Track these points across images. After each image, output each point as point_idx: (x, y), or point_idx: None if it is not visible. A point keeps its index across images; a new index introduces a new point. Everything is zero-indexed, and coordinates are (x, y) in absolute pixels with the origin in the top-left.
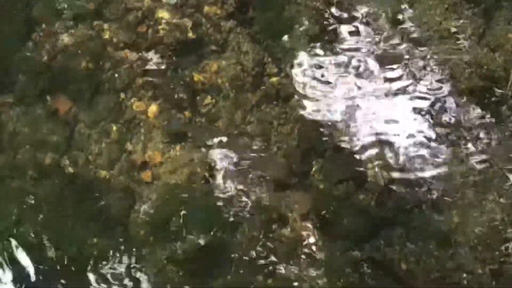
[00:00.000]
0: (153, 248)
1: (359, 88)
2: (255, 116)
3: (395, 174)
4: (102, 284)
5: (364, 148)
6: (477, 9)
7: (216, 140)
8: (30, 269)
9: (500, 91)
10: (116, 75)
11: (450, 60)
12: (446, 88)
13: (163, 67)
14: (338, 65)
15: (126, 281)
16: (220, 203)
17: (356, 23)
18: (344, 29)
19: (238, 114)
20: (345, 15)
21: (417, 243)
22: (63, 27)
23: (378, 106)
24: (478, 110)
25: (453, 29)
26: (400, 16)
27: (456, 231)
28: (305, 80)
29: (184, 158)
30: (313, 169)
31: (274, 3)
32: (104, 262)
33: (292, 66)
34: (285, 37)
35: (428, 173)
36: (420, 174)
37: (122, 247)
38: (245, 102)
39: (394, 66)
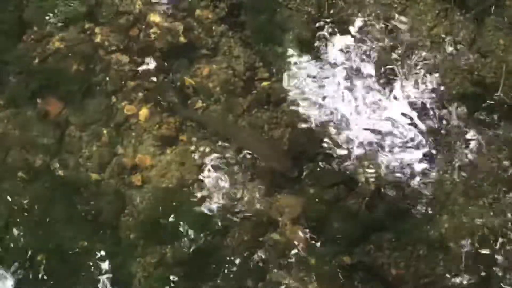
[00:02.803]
0: (144, 251)
1: (350, 93)
2: (246, 120)
3: (386, 179)
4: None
5: (355, 152)
6: (468, 15)
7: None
8: (20, 271)
9: (490, 96)
10: (107, 78)
11: (441, 66)
12: (437, 93)
13: (154, 70)
14: (329, 70)
15: (116, 284)
16: (210, 207)
17: (347, 28)
18: (336, 34)
19: (229, 118)
20: (337, 20)
21: (407, 248)
22: (55, 29)
23: (369, 111)
24: (469, 115)
25: (444, 35)
26: (391, 21)
27: (446, 236)
28: (296, 84)
29: (174, 162)
30: (304, 173)
31: (266, 8)
32: (93, 265)
33: (283, 71)
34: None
35: (418, 178)
36: (410, 179)
37: (112, 250)
38: (236, 106)
39: (386, 71)
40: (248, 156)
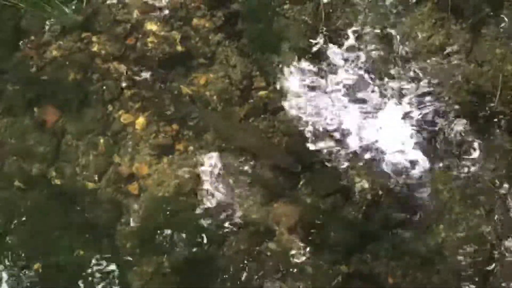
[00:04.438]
0: (140, 260)
1: (347, 102)
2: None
3: (382, 188)
4: None
5: (352, 161)
6: (465, 24)
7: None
8: (16, 280)
9: (487, 106)
10: (104, 87)
11: (437, 75)
12: (434, 103)
13: (151, 79)
14: (326, 78)
15: None
16: (207, 216)
17: (344, 38)
18: (333, 43)
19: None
20: (334, 29)
21: (404, 257)
22: (52, 38)
23: (366, 120)
24: (466, 125)
25: (441, 44)
26: (388, 30)
27: (443, 246)
28: (293, 93)
29: (171, 171)
30: (301, 182)
31: (263, 17)
32: (90, 274)
33: (280, 80)
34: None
35: (415, 187)
36: (407, 188)
37: (108, 259)
38: (233, 115)
39: (383, 80)
40: (247, 161)
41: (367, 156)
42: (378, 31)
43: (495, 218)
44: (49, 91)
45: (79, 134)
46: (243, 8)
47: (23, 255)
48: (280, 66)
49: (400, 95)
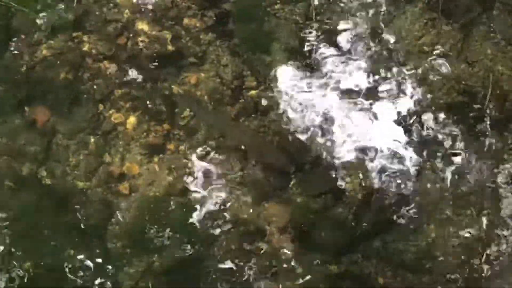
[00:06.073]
0: (130, 260)
1: (338, 102)
2: None
3: (373, 188)
4: None
5: (343, 161)
6: (456, 24)
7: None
8: (6, 279)
9: (478, 106)
10: (94, 86)
11: (428, 75)
12: (424, 103)
13: (142, 79)
14: (317, 79)
15: None
16: (198, 215)
17: (335, 38)
18: (324, 44)
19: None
20: (325, 29)
21: (394, 257)
22: (42, 37)
23: (357, 120)
24: (456, 125)
25: (432, 44)
26: (379, 31)
27: (433, 246)
28: (284, 93)
29: (162, 170)
30: (292, 182)
31: (254, 16)
32: (80, 274)
33: (271, 80)
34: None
35: (405, 187)
36: (397, 188)
37: (99, 259)
38: (226, 114)
39: (374, 81)
40: (238, 161)
41: (358, 156)
42: (369, 31)
43: (486, 218)
44: (40, 91)
45: (69, 134)
46: (234, 7)
47: (13, 254)
48: (271, 65)
49: (391, 95)
